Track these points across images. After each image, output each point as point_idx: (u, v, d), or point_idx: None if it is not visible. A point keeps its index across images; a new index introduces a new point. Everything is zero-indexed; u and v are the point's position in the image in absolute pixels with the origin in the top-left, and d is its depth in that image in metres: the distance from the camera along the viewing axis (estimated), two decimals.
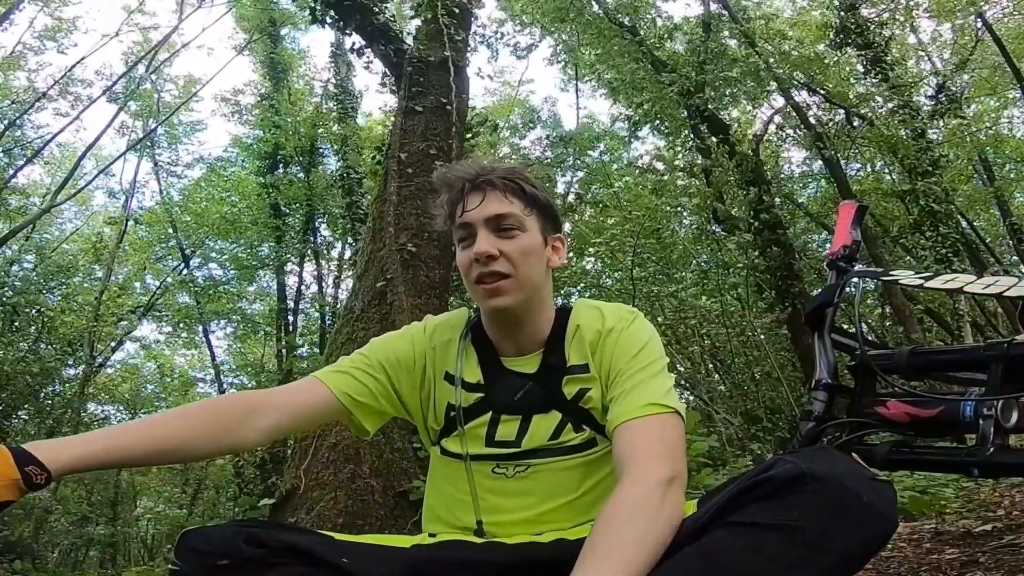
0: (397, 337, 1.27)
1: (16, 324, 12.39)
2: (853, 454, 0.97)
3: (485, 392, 1.20)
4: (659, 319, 9.04)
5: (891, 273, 1.90)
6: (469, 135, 7.01)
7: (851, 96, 9.85)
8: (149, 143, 16.11)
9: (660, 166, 11.87)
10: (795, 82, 9.99)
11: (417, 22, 6.27)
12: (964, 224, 11.42)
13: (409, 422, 1.29)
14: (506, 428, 1.17)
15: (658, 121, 11.24)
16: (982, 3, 10.50)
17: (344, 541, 1.06)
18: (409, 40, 6.25)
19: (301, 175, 14.93)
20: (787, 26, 11.40)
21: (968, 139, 10.84)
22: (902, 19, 11.42)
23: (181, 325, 17.01)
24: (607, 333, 1.18)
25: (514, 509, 1.15)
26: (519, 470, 1.16)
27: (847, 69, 10.34)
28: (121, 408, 18.10)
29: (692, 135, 10.72)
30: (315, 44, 38.99)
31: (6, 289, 12.88)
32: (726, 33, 10.03)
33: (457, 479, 1.19)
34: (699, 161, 10.46)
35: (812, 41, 11.17)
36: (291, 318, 15.44)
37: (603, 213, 9.55)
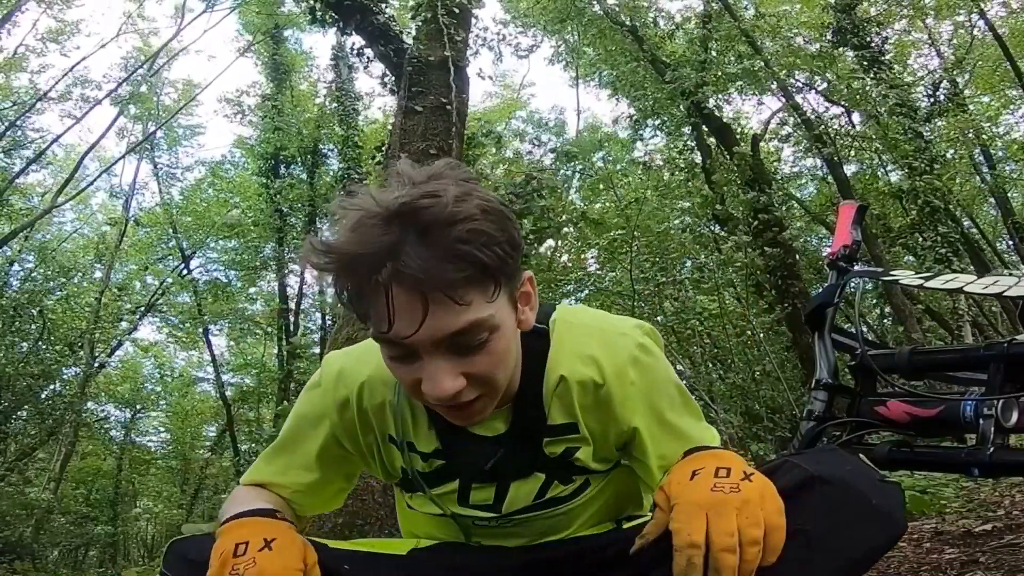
0: (327, 416, 1.00)
1: (16, 324, 12.40)
2: (861, 455, 0.96)
3: (446, 459, 0.98)
4: (659, 319, 9.03)
5: (891, 273, 1.90)
6: (472, 145, 7.03)
7: (847, 91, 9.85)
8: (149, 146, 16.13)
9: (658, 158, 11.89)
10: (795, 81, 10.00)
11: (417, 22, 6.26)
12: (966, 222, 11.43)
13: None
14: (481, 494, 1.00)
15: (659, 120, 11.25)
16: (982, 1, 10.52)
17: (340, 549, 1.01)
18: (409, 40, 6.25)
19: (304, 176, 14.94)
20: (787, 24, 11.40)
21: (967, 137, 10.85)
22: (908, 14, 11.44)
23: (182, 325, 17.04)
24: (608, 384, 0.94)
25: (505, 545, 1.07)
26: (503, 522, 1.03)
27: (845, 67, 10.34)
28: (121, 407, 18.15)
29: (692, 134, 10.73)
30: (318, 45, 38.91)
31: (7, 289, 12.89)
32: (725, 33, 10.03)
33: (437, 523, 1.06)
34: (699, 161, 10.47)
35: (811, 39, 11.17)
36: (292, 319, 15.44)
37: (598, 228, 9.55)
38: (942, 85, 11.96)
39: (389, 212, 0.75)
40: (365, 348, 0.99)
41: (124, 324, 15.95)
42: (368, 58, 6.89)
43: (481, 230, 0.75)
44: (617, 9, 10.65)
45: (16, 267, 14.04)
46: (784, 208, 10.82)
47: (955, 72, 12.27)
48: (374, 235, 0.74)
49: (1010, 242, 12.34)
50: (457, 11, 6.18)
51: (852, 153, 11.06)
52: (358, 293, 0.79)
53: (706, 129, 10.35)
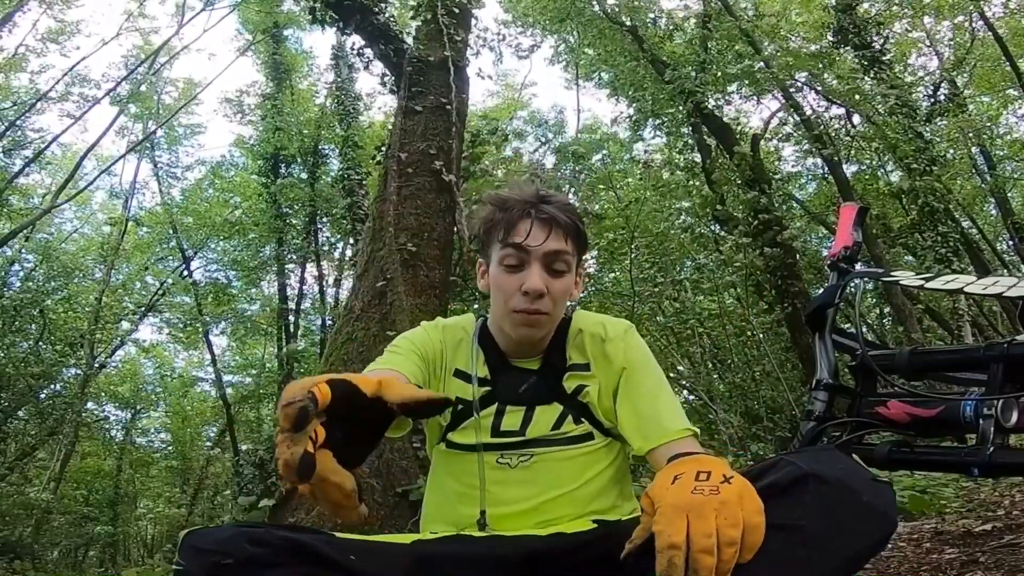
0: (423, 332, 1.34)
1: (17, 324, 12.40)
2: (854, 455, 0.97)
3: (492, 386, 1.28)
4: (659, 319, 9.03)
5: (892, 274, 1.90)
6: (478, 144, 7.01)
7: (847, 91, 9.85)
8: (149, 145, 16.12)
9: (658, 158, 11.88)
10: (795, 81, 9.99)
11: (417, 22, 6.26)
12: (965, 223, 11.43)
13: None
14: (511, 419, 1.25)
15: (659, 120, 11.24)
16: (982, 1, 10.52)
17: (346, 539, 1.05)
18: (409, 40, 6.25)
19: (304, 176, 14.94)
20: (787, 26, 11.40)
21: (968, 136, 10.85)
22: (907, 15, 11.45)
23: (182, 325, 17.04)
24: (609, 340, 1.29)
25: (516, 500, 1.20)
26: (523, 460, 1.23)
27: (846, 67, 10.35)
28: (121, 408, 18.16)
29: (692, 134, 10.73)
30: (318, 45, 38.95)
31: (7, 289, 12.90)
32: (724, 33, 10.02)
33: (461, 471, 1.25)
34: (699, 161, 10.46)
35: (811, 40, 11.17)
36: (292, 318, 15.43)
37: (601, 224, 9.54)
38: (942, 85, 11.97)
39: (531, 194, 1.27)
40: (450, 319, 1.40)
41: (125, 325, 15.97)
42: (368, 58, 6.88)
43: (577, 213, 1.29)
44: (617, 9, 10.65)
45: (16, 267, 14.05)
46: (784, 208, 10.82)
47: (955, 72, 12.28)
48: (523, 198, 1.26)
49: (1010, 242, 12.35)
50: (457, 11, 6.18)
51: (852, 153, 11.06)
52: (508, 221, 1.24)
53: (706, 129, 10.34)
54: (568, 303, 1.30)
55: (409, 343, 1.30)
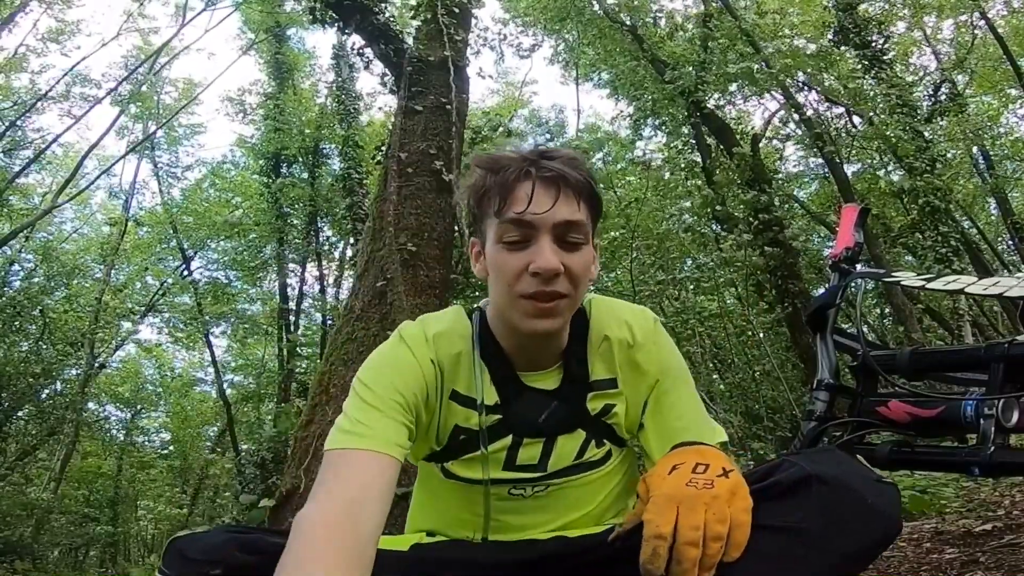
0: (407, 360, 1.05)
1: (17, 324, 12.40)
2: (858, 456, 0.97)
3: (503, 413, 1.07)
4: (659, 319, 9.02)
5: (893, 274, 1.91)
6: (479, 142, 7.01)
7: (847, 89, 9.84)
8: (149, 145, 16.12)
9: (659, 157, 11.88)
10: (795, 81, 9.98)
11: (417, 22, 6.27)
12: (965, 223, 11.44)
13: None
14: (528, 452, 1.08)
15: (659, 120, 11.24)
16: (983, 1, 10.52)
17: None
18: (409, 40, 6.25)
19: (305, 175, 14.94)
20: (787, 26, 11.40)
21: (969, 136, 10.85)
22: (907, 15, 11.45)
23: (182, 326, 17.05)
24: (638, 346, 1.09)
25: (526, 527, 1.10)
26: (538, 490, 1.10)
27: (847, 67, 10.34)
28: (121, 408, 18.16)
29: (692, 134, 10.73)
30: (321, 44, 38.96)
31: (7, 289, 12.90)
32: (725, 32, 10.01)
33: (464, 499, 1.10)
34: (699, 161, 10.47)
35: (812, 39, 11.17)
36: (292, 318, 15.44)
37: (602, 224, 9.53)
38: (943, 85, 11.98)
39: (528, 152, 1.02)
40: (433, 314, 1.14)
41: (127, 325, 15.98)
42: (368, 58, 6.88)
43: (587, 168, 1.03)
44: (617, 8, 10.64)
45: (16, 267, 14.05)
46: (785, 208, 10.81)
47: (956, 72, 12.28)
48: (520, 155, 1.02)
49: (1010, 242, 12.35)
50: (457, 11, 6.18)
51: (853, 153, 11.06)
52: (503, 185, 0.99)
53: (706, 129, 10.35)
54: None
55: (390, 388, 1.01)
